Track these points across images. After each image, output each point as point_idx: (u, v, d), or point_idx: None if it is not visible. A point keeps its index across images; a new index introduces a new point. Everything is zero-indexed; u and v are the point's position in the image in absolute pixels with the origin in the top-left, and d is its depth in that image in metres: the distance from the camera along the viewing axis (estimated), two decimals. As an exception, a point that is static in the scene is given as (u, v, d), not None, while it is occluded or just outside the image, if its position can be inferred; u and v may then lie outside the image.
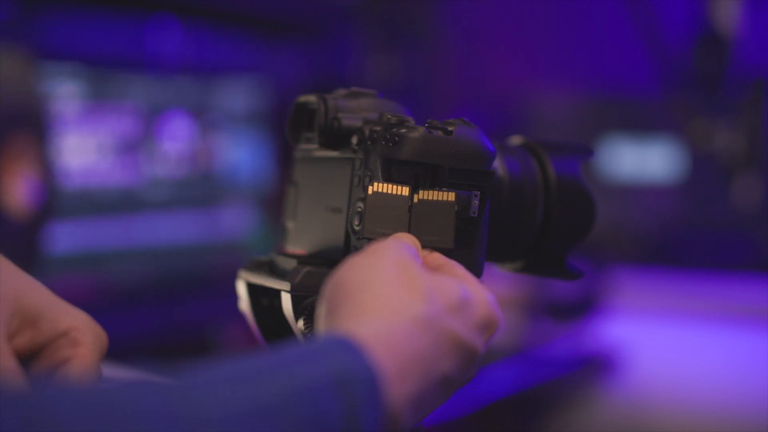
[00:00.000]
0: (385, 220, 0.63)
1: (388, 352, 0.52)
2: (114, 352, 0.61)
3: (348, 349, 0.51)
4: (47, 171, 2.06)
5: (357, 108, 0.70)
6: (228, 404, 0.46)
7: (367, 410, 0.49)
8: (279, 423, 0.46)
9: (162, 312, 2.14)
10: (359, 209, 0.65)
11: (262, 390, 0.47)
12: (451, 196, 0.63)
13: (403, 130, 0.64)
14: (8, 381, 0.54)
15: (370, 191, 0.63)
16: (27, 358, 0.58)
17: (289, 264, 0.69)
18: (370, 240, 0.63)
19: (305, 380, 0.48)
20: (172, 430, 0.43)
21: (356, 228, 0.65)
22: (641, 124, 3.29)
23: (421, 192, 0.63)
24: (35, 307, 0.57)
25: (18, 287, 0.57)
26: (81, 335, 0.58)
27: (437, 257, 0.62)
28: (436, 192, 0.63)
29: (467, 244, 0.64)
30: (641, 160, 3.29)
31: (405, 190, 0.63)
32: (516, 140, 0.76)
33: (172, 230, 2.42)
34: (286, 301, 0.67)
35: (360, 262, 0.57)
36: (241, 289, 0.74)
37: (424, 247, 0.63)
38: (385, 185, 0.63)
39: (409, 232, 0.63)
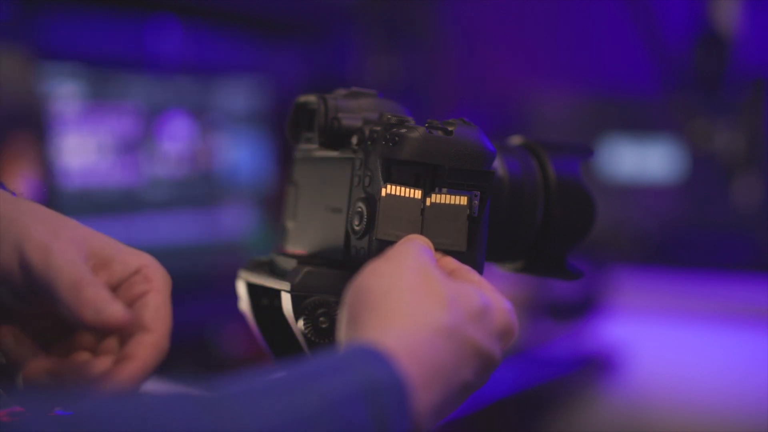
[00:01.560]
0: (398, 222, 0.64)
1: (414, 361, 0.53)
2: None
3: (376, 359, 0.51)
4: (47, 171, 2.06)
5: (357, 108, 0.70)
6: (264, 416, 0.47)
7: (396, 420, 0.50)
8: None
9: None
10: (359, 209, 0.65)
11: (297, 402, 0.48)
12: (463, 200, 0.63)
13: (403, 130, 0.64)
14: (112, 306, 0.56)
15: (383, 193, 0.63)
16: None
17: (289, 264, 0.69)
18: (381, 241, 0.63)
19: (337, 391, 0.49)
20: None
21: (356, 228, 0.65)
22: (641, 124, 3.29)
23: (433, 195, 0.63)
24: (105, 250, 0.59)
25: (85, 233, 0.59)
26: (152, 272, 0.60)
27: (450, 261, 0.63)
28: (448, 196, 0.63)
29: (467, 244, 0.64)
30: (641, 160, 3.29)
31: (417, 193, 0.63)
32: (516, 140, 0.76)
33: (172, 230, 2.42)
34: (286, 301, 0.67)
35: (381, 269, 0.58)
36: (241, 289, 0.74)
37: (436, 249, 0.63)
38: (398, 188, 0.63)
39: (421, 234, 0.63)
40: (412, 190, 0.63)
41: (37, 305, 0.58)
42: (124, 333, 0.58)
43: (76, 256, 0.56)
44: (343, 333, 0.57)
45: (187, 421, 0.45)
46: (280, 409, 0.47)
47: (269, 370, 0.51)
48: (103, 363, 0.57)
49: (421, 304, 0.55)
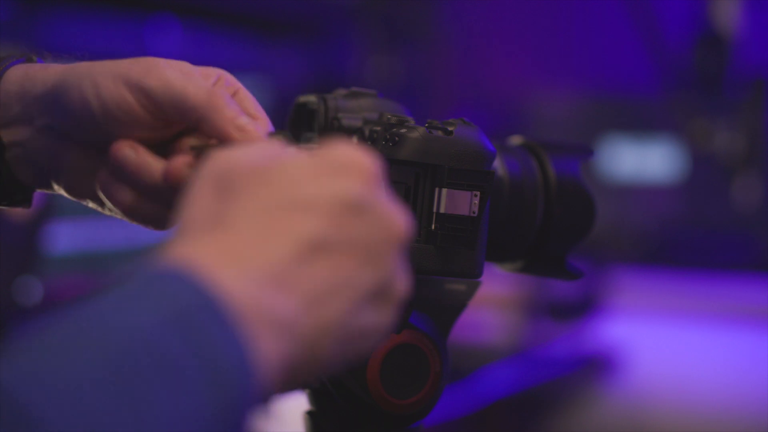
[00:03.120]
0: None
1: (206, 252, 0.43)
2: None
3: (168, 277, 0.41)
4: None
5: (357, 108, 0.70)
6: (50, 394, 0.37)
7: (209, 325, 0.40)
8: (119, 390, 0.38)
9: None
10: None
11: (91, 358, 0.38)
12: None
13: (403, 130, 0.64)
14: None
15: None
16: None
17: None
18: None
19: (132, 332, 0.39)
20: None
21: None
22: (641, 124, 3.29)
23: None
24: (183, 68, 0.60)
25: (160, 63, 0.59)
26: (227, 76, 0.61)
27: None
28: None
29: (467, 244, 0.64)
30: (641, 160, 3.29)
31: None
32: (516, 140, 0.76)
33: (172, 230, 2.42)
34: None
35: (184, 197, 0.48)
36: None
37: None
38: None
39: None
40: None
41: (160, 126, 0.57)
42: None
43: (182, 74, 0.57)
44: None
45: None
46: (71, 373, 0.37)
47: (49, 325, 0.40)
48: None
49: (216, 205, 0.46)
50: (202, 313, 0.40)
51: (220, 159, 0.47)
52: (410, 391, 0.65)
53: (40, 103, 0.58)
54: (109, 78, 0.56)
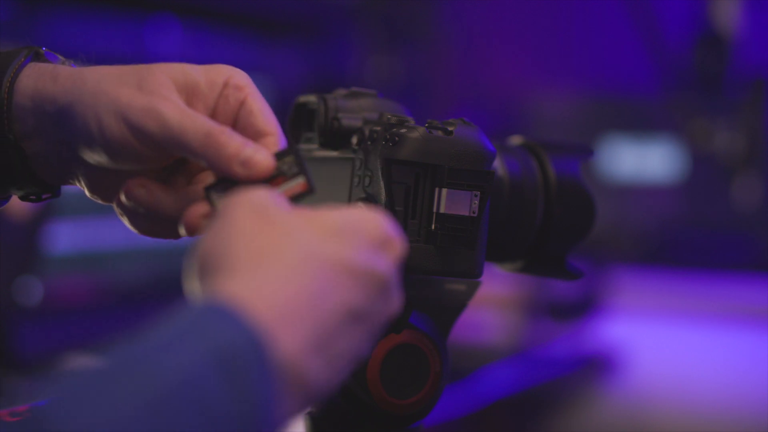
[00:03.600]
0: None
1: (264, 303, 0.46)
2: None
3: (222, 316, 0.45)
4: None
5: (357, 108, 0.70)
6: (92, 420, 0.40)
7: (255, 376, 0.44)
8: (159, 424, 0.41)
9: (162, 312, 2.14)
10: (359, 209, 0.65)
11: (131, 393, 0.41)
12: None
13: (403, 130, 0.64)
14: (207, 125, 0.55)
15: None
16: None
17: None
18: None
19: (178, 369, 0.42)
20: None
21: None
22: (641, 124, 3.29)
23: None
24: (188, 78, 0.58)
25: (162, 74, 0.58)
26: (237, 78, 0.59)
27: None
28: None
29: (467, 244, 0.64)
30: (641, 160, 3.29)
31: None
32: (516, 140, 0.76)
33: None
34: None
35: (216, 226, 0.51)
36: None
37: None
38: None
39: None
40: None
41: (160, 159, 0.58)
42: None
43: (181, 105, 0.56)
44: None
45: None
46: (114, 402, 0.41)
47: (101, 356, 0.43)
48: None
49: (262, 241, 0.48)
50: (252, 363, 0.44)
51: (255, 195, 0.51)
52: (410, 391, 0.65)
53: (52, 120, 0.58)
54: (111, 116, 0.56)
